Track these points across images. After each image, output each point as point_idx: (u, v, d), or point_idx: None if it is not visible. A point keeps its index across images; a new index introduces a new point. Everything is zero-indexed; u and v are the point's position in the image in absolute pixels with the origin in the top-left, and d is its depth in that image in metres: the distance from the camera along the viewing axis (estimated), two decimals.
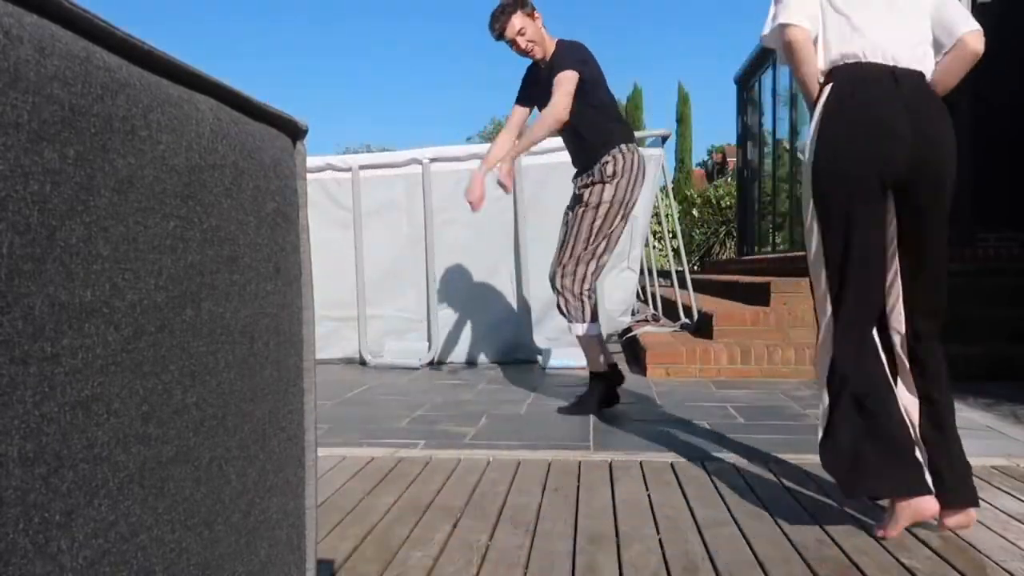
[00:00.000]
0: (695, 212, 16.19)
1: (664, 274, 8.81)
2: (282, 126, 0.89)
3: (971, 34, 1.83)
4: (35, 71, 0.46)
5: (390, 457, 2.54)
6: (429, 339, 5.15)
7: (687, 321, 5.43)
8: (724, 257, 14.81)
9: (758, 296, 5.22)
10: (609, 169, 3.15)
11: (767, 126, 11.09)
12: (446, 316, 5.16)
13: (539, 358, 4.93)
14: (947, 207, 1.80)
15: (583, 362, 4.73)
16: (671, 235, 8.48)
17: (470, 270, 5.15)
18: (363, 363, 5.16)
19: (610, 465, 2.41)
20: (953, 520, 1.77)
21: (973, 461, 2.39)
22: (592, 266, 3.19)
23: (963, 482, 1.78)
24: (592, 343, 3.24)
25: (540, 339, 5.06)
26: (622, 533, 1.80)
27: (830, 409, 1.80)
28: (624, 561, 1.63)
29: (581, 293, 3.18)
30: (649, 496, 2.09)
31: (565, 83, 3.14)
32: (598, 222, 3.17)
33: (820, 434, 1.83)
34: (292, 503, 0.89)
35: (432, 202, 5.13)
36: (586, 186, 3.21)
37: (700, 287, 7.16)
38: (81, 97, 0.51)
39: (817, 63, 1.84)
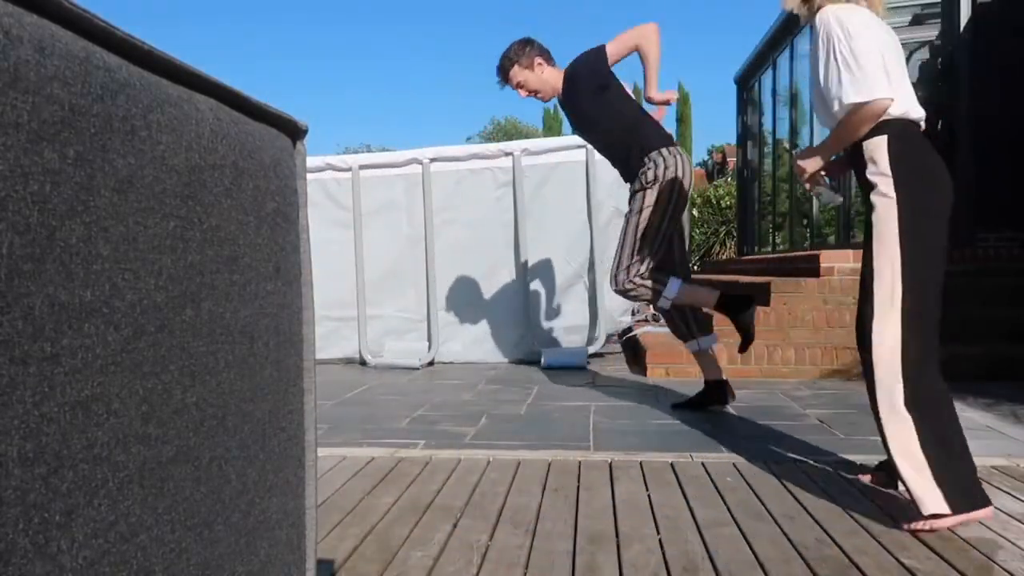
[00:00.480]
0: (695, 212, 16.19)
1: None
2: (282, 126, 0.89)
3: None
4: (35, 71, 0.46)
5: (390, 457, 2.54)
6: (429, 339, 5.15)
7: None
8: (724, 257, 14.81)
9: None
10: (650, 175, 3.15)
11: (767, 126, 11.09)
12: (446, 316, 5.16)
13: (539, 358, 4.93)
14: None
15: (582, 362, 4.75)
16: None
17: (470, 270, 5.16)
18: (363, 363, 5.16)
19: (610, 465, 2.41)
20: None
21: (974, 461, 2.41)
22: (642, 267, 3.15)
23: None
24: (688, 292, 3.14)
25: (540, 339, 5.06)
26: (622, 533, 1.80)
27: (934, 429, 1.86)
28: (624, 561, 1.63)
29: (641, 276, 3.13)
30: (649, 496, 2.09)
31: (623, 37, 3.14)
32: (642, 226, 3.14)
33: (926, 461, 1.83)
34: (292, 503, 0.89)
35: (432, 202, 5.14)
36: (632, 194, 3.23)
37: None
38: (81, 97, 0.51)
39: None
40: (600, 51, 3.16)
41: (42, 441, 0.46)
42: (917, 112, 1.97)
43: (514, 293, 5.13)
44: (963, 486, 1.82)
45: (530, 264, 5.09)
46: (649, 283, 3.13)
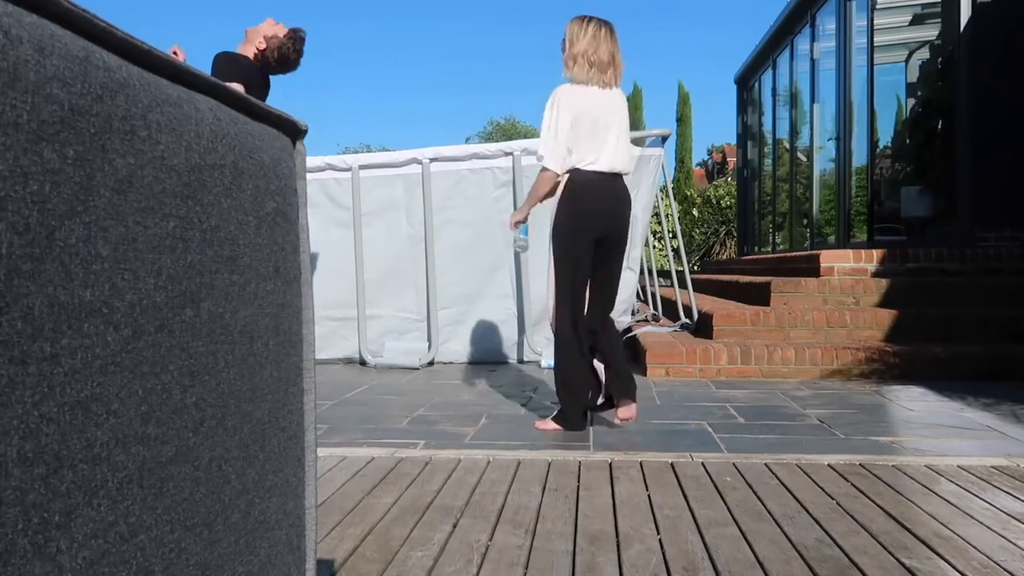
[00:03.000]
0: (695, 212, 16.19)
1: (664, 274, 8.81)
2: (282, 126, 0.89)
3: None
4: (34, 71, 0.46)
5: (390, 457, 2.54)
6: (429, 339, 5.15)
7: (687, 321, 5.43)
8: (724, 257, 14.81)
9: (758, 296, 5.22)
10: None
11: (767, 126, 11.10)
12: (446, 316, 5.16)
13: (539, 358, 4.93)
14: (624, 251, 3.09)
15: None
16: (671, 235, 8.47)
17: (470, 270, 5.15)
18: (363, 363, 5.16)
19: (610, 465, 2.41)
20: (622, 412, 2.93)
21: (973, 461, 2.41)
22: None
23: (625, 385, 2.94)
24: None
25: (540, 339, 5.06)
26: (622, 533, 1.80)
27: (577, 371, 2.93)
28: (624, 561, 1.63)
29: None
30: (649, 496, 2.09)
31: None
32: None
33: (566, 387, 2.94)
34: (292, 503, 0.89)
35: (432, 202, 5.14)
36: None
37: (700, 287, 7.16)
38: (80, 97, 0.51)
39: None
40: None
41: (41, 441, 0.46)
42: (603, 165, 2.87)
43: (513, 293, 5.13)
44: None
45: (530, 264, 5.09)
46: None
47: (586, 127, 2.85)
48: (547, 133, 2.89)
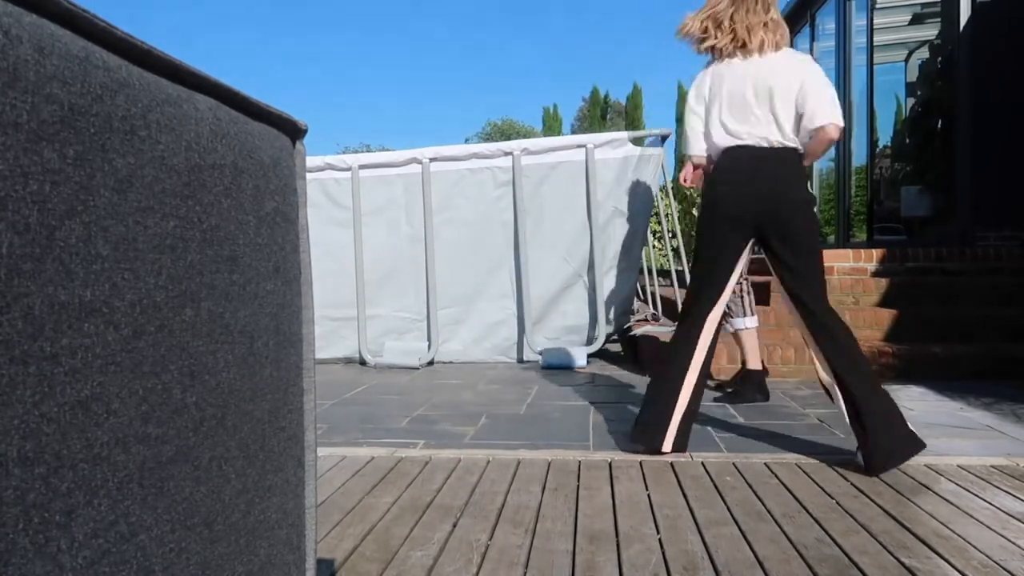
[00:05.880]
0: (695, 212, 16.18)
1: (664, 274, 8.81)
2: (281, 126, 0.89)
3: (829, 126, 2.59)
4: (34, 71, 0.46)
5: (390, 457, 2.54)
6: (429, 339, 5.15)
7: None
8: None
9: (758, 296, 5.21)
10: None
11: None
12: (446, 316, 5.16)
13: (539, 358, 4.93)
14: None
15: (581, 362, 4.76)
16: (671, 234, 8.48)
17: (470, 270, 5.15)
18: (363, 363, 5.16)
19: (610, 465, 2.41)
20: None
21: (973, 461, 2.41)
22: None
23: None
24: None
25: (539, 339, 5.06)
26: (622, 533, 1.80)
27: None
28: (624, 561, 1.63)
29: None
30: (649, 496, 2.09)
31: None
32: None
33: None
34: (292, 503, 0.89)
35: (432, 202, 5.14)
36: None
37: None
38: (80, 97, 0.51)
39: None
40: None
41: (42, 441, 0.46)
42: (726, 141, 2.60)
43: (513, 293, 5.13)
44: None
45: (530, 264, 5.09)
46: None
47: (722, 105, 2.69)
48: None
